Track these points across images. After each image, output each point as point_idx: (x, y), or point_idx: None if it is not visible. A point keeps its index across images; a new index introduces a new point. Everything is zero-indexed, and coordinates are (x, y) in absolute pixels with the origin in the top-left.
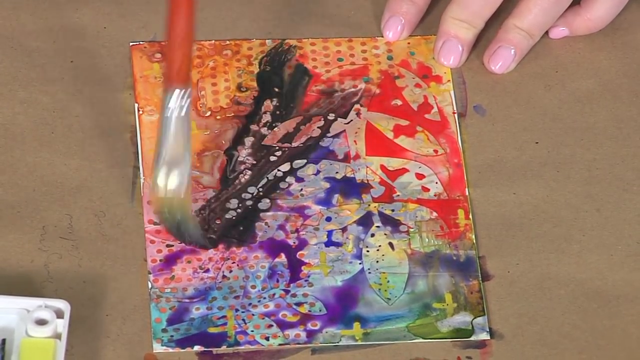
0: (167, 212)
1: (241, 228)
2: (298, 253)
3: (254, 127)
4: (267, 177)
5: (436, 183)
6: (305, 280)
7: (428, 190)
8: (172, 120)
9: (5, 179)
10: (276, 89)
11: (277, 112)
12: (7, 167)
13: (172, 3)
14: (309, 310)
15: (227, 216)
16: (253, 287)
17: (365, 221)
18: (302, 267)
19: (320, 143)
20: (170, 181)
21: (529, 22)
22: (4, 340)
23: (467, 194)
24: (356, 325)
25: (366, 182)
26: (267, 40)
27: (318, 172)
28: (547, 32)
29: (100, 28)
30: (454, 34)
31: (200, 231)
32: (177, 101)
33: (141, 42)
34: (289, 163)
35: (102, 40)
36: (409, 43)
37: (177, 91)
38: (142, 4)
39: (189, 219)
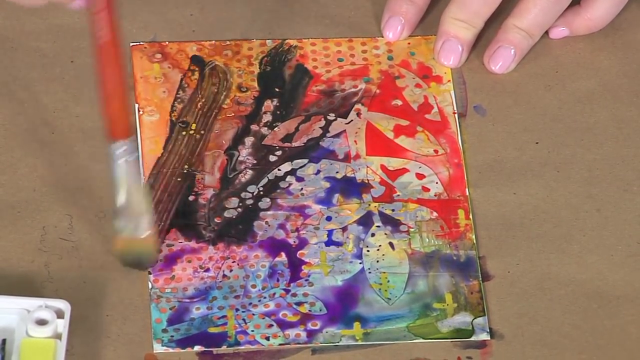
0: (127, 253)
1: (241, 227)
2: (298, 252)
3: (254, 127)
4: (268, 177)
5: (436, 183)
6: (306, 280)
7: (428, 190)
8: (121, 167)
9: (6, 179)
10: (277, 89)
11: (278, 112)
12: (8, 167)
13: (100, 60)
14: (309, 310)
15: (227, 215)
16: (253, 286)
17: (365, 221)
18: (303, 267)
19: (320, 143)
20: (130, 224)
21: (528, 22)
22: (4, 341)
23: (467, 194)
24: (356, 325)
25: (366, 181)
26: (267, 41)
27: (318, 171)
28: (547, 32)
29: None
30: (454, 34)
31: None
32: (122, 151)
33: (141, 43)
34: (289, 163)
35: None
36: (409, 43)
37: (120, 143)
38: (142, 4)
39: (149, 260)
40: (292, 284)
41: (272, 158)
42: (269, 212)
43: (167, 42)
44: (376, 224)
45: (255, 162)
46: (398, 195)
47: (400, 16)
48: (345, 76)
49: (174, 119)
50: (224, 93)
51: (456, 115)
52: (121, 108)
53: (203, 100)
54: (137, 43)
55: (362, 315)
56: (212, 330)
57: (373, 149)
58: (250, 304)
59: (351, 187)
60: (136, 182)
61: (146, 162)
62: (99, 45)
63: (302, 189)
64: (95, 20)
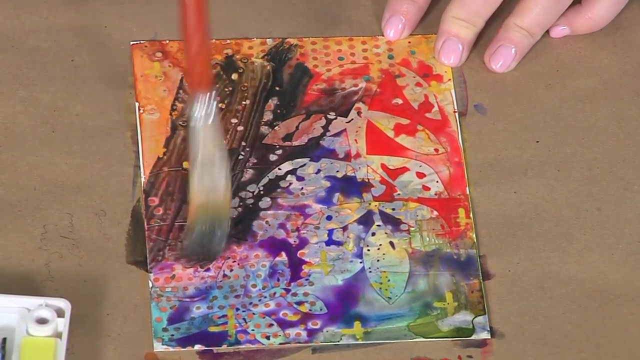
0: (203, 218)
1: (241, 226)
2: (299, 252)
3: (254, 126)
4: (268, 176)
5: (437, 182)
6: (306, 279)
7: (429, 189)
8: (199, 128)
9: (6, 177)
10: (277, 88)
11: (278, 111)
12: (8, 166)
13: (184, 9)
14: (310, 310)
15: None
16: (254, 286)
17: (366, 220)
18: (303, 266)
19: (320, 142)
20: (206, 186)
21: (529, 21)
22: (4, 339)
23: (467, 192)
24: (357, 324)
25: (367, 180)
26: (267, 40)
27: (319, 170)
28: (548, 31)
29: (101, 27)
30: (455, 33)
31: (224, 241)
32: (201, 107)
33: (142, 41)
34: (289, 162)
35: (102, 39)
36: (409, 42)
37: (200, 97)
38: (142, 3)
39: (224, 224)
40: (292, 284)
41: (273, 157)
42: (269, 212)
43: (167, 41)
44: (377, 223)
45: (255, 161)
46: (398, 194)
47: (401, 15)
48: (346, 75)
49: (174, 117)
50: (224, 92)
51: (457, 114)
52: (204, 61)
53: None
54: (138, 42)
55: (362, 314)
56: (213, 329)
57: (373, 147)
58: (250, 303)
59: (351, 186)
60: (214, 143)
61: (146, 161)
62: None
63: (302, 188)
64: None
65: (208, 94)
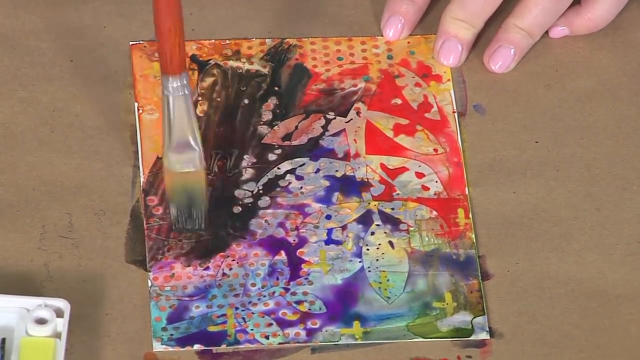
0: (178, 189)
1: (240, 225)
2: (298, 251)
3: (253, 126)
4: (267, 175)
5: (436, 182)
6: (305, 279)
7: (428, 189)
8: (171, 101)
9: (5, 178)
10: (276, 88)
11: (277, 111)
12: (7, 167)
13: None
14: (309, 309)
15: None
16: (253, 285)
17: (365, 219)
18: (302, 265)
19: (320, 141)
20: (180, 158)
21: (529, 22)
22: (3, 340)
23: (467, 193)
24: (356, 324)
25: (366, 180)
26: (267, 40)
27: (318, 170)
28: (547, 32)
29: (100, 27)
30: (454, 34)
31: (206, 212)
32: (176, 87)
33: (141, 42)
34: (288, 161)
35: (101, 40)
36: (408, 42)
37: (171, 79)
38: (141, 3)
39: (201, 195)
40: (291, 283)
41: (272, 157)
42: (268, 211)
43: None
44: (376, 223)
45: (254, 160)
46: (398, 194)
47: (400, 15)
48: (345, 75)
49: None
50: (223, 92)
51: (456, 114)
52: (176, 44)
53: (202, 99)
54: (137, 42)
55: (361, 314)
56: (212, 328)
57: (373, 147)
58: (249, 302)
59: (351, 186)
60: (189, 117)
61: (146, 160)
62: None
63: (301, 187)
64: None
65: (181, 76)
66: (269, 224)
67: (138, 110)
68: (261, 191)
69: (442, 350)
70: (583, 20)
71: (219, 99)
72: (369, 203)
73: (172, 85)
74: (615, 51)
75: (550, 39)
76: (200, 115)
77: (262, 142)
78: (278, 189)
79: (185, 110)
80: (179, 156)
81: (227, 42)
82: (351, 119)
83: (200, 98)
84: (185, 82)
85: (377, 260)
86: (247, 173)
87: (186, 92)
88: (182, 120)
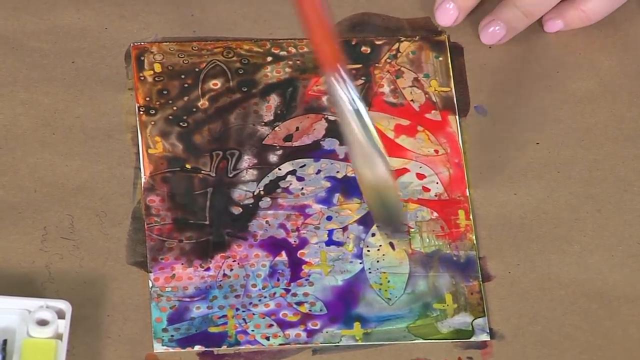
0: (376, 199)
1: (241, 226)
2: (299, 252)
3: (254, 127)
4: (268, 176)
5: (437, 183)
6: (306, 280)
7: (429, 190)
8: (345, 113)
9: (7, 179)
10: (277, 89)
11: (278, 112)
12: (9, 168)
13: None
14: (310, 310)
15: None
16: (254, 286)
17: (366, 221)
18: (303, 266)
19: (321, 142)
20: (370, 170)
21: (528, 2)
22: (5, 341)
23: (467, 194)
24: (357, 325)
25: None
26: (268, 41)
27: (319, 171)
28: (542, 26)
29: (101, 29)
30: None
31: (401, 210)
32: (340, 89)
33: (142, 43)
34: (289, 162)
35: (103, 41)
36: (410, 42)
37: (332, 78)
38: (143, 4)
39: (396, 202)
40: (292, 284)
41: (273, 157)
42: (269, 212)
43: (168, 42)
44: (376, 224)
45: (255, 161)
46: (398, 195)
47: (452, 2)
48: None
49: (174, 118)
50: (225, 93)
51: (457, 115)
52: (325, 40)
53: (204, 100)
54: (138, 43)
55: (362, 315)
56: (213, 329)
57: None
58: (250, 303)
59: (352, 187)
60: (364, 129)
61: (146, 161)
62: None
63: (302, 188)
64: None
65: (336, 72)
66: (269, 224)
67: (139, 111)
68: (262, 192)
69: (443, 352)
70: (576, 11)
71: (220, 100)
72: None
73: (334, 82)
74: (616, 52)
75: (550, 40)
76: (201, 115)
77: (263, 143)
78: (279, 190)
79: (360, 119)
80: (368, 166)
81: (228, 43)
82: None
83: (201, 99)
84: (345, 76)
85: (378, 261)
86: (248, 174)
87: (349, 87)
88: (361, 125)
